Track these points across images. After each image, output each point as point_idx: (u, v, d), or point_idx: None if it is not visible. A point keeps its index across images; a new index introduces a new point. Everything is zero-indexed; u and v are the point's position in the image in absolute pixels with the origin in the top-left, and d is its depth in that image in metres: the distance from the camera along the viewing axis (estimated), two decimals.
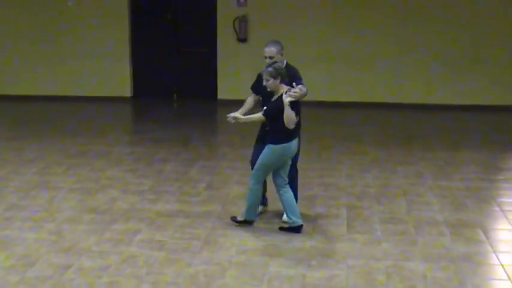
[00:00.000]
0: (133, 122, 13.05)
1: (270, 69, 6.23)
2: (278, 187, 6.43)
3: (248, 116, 6.48)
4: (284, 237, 6.30)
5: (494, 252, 6.01)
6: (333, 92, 13.53)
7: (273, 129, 6.29)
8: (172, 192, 7.68)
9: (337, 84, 13.50)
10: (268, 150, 6.30)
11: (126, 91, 14.13)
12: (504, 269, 5.62)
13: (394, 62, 13.36)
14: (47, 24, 13.91)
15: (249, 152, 9.43)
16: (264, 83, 6.28)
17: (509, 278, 5.44)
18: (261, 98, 6.69)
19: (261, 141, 6.54)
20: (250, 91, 6.85)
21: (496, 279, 5.51)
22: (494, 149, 10.03)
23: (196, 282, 5.32)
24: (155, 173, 8.53)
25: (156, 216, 6.85)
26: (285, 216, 6.58)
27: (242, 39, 13.47)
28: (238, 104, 13.51)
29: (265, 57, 6.51)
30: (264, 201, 6.90)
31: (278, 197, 6.48)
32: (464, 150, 9.88)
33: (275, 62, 6.38)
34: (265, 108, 6.31)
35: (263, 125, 6.50)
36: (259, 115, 6.34)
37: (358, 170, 8.70)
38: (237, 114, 6.46)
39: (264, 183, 6.71)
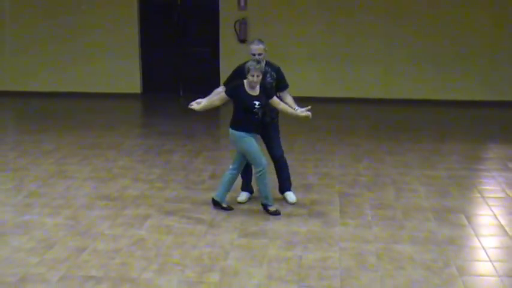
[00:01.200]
0: (142, 116, 13.04)
1: (261, 65, 6.21)
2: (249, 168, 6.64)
3: (203, 104, 6.54)
4: (282, 221, 6.30)
5: (476, 235, 6.01)
6: (327, 88, 13.52)
7: (263, 117, 6.40)
8: (179, 181, 7.68)
9: (330, 81, 13.49)
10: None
11: (136, 88, 14.13)
12: (485, 251, 5.62)
13: (384, 60, 13.36)
14: (64, 27, 13.91)
15: None
16: (255, 79, 6.16)
17: (490, 260, 5.45)
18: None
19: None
20: (222, 85, 6.73)
21: (478, 260, 5.51)
22: (475, 141, 10.02)
23: (201, 263, 5.32)
24: (163, 162, 8.53)
25: (164, 203, 6.85)
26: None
27: (242, 40, 13.45)
28: None
29: (254, 55, 6.41)
30: (251, 189, 6.97)
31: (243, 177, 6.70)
32: (448, 142, 9.88)
33: (256, 59, 6.31)
34: (258, 103, 6.22)
35: (249, 115, 6.29)
36: (215, 102, 6.50)
37: (350, 160, 8.70)
38: (197, 105, 6.53)
39: (250, 172, 6.80)
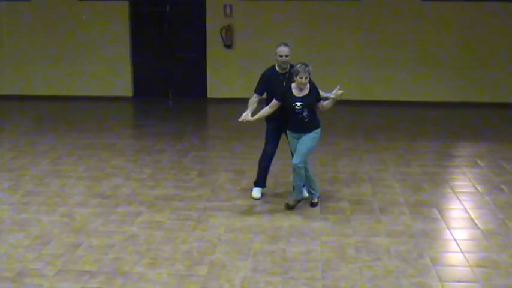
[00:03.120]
0: (134, 118, 12.97)
1: (309, 68, 6.22)
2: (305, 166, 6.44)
3: (258, 115, 6.43)
4: (266, 217, 6.29)
5: (448, 228, 6.04)
6: None
7: (312, 117, 6.37)
8: (168, 179, 7.65)
9: None
10: (316, 134, 6.42)
11: (128, 91, 14.04)
12: (457, 243, 5.66)
13: (359, 65, 13.38)
14: (57, 33, 13.79)
15: (235, 144, 9.47)
16: (304, 81, 6.19)
17: (461, 251, 5.48)
18: (265, 95, 6.60)
19: (277, 132, 6.59)
20: (254, 93, 6.61)
21: (450, 251, 5.55)
22: (447, 140, 10.06)
23: (191, 257, 5.30)
24: (154, 162, 8.48)
25: (154, 200, 6.82)
26: (305, 193, 6.68)
27: (228, 46, 13.42)
28: (225, 101, 13.47)
29: (281, 56, 6.44)
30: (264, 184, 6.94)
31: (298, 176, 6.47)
32: (422, 141, 9.92)
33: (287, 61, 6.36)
34: (300, 103, 6.23)
35: (293, 116, 6.30)
36: (267, 110, 6.39)
37: (330, 158, 8.70)
38: (248, 116, 6.35)
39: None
